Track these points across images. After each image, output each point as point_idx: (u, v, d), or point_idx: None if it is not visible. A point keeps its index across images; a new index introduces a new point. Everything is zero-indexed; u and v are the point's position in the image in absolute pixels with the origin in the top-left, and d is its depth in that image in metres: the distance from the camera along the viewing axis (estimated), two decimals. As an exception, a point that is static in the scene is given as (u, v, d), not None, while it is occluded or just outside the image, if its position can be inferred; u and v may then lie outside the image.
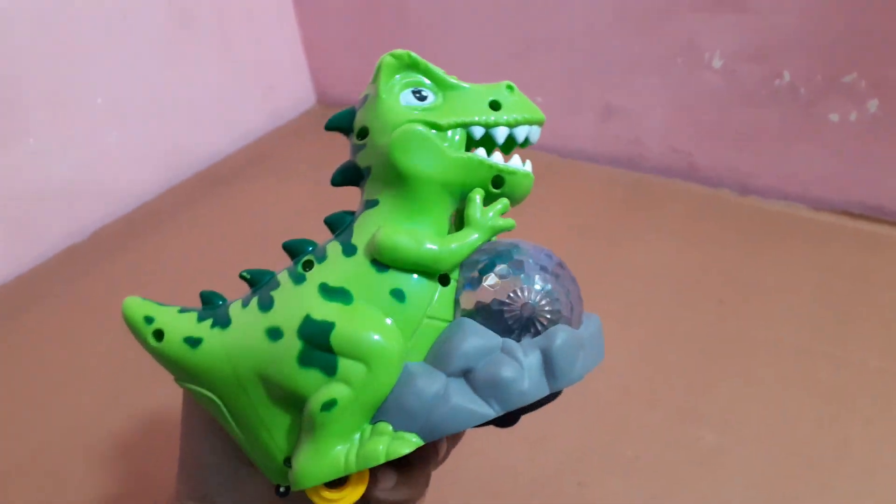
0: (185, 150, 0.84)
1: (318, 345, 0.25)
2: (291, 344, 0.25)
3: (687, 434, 0.47)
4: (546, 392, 0.25)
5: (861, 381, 0.49)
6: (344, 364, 0.25)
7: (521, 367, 0.24)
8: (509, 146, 0.29)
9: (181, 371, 0.28)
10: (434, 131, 0.27)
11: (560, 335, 0.25)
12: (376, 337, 0.25)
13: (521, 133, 0.28)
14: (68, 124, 0.71)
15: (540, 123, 0.29)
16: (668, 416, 0.48)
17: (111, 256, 0.71)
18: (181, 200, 0.80)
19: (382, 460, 0.24)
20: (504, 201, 0.28)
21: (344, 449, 0.25)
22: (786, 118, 0.66)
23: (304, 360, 0.25)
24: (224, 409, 0.27)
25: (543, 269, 0.26)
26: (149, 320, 0.28)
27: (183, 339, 0.27)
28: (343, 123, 0.30)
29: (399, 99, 0.28)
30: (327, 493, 0.25)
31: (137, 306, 0.29)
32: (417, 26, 0.84)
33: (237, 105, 0.89)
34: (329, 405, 0.24)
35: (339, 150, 0.92)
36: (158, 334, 0.28)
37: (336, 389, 0.24)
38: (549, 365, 0.25)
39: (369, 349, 0.25)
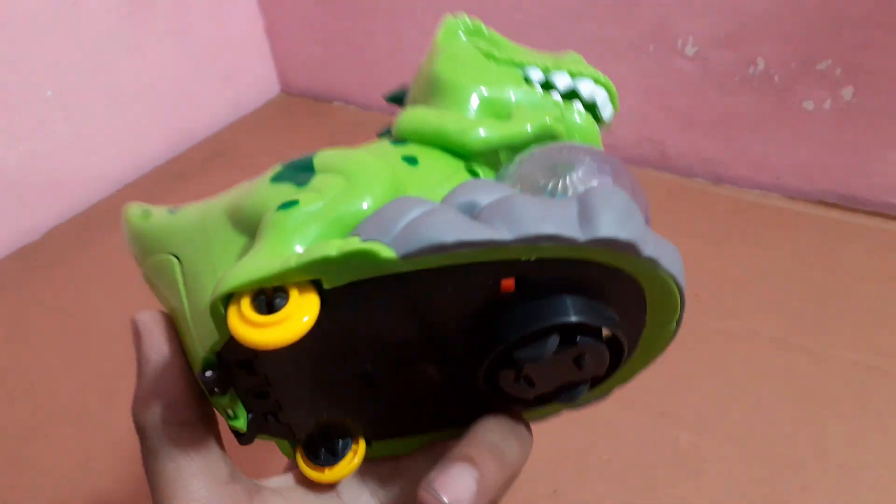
0: (143, 144, 0.81)
1: (298, 166, 0.22)
2: (270, 170, 0.22)
3: (663, 435, 0.45)
4: (576, 234, 0.18)
5: (838, 376, 0.48)
6: (319, 177, 0.21)
7: (544, 201, 0.19)
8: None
9: (154, 241, 0.24)
10: (485, 59, 0.26)
11: (600, 186, 0.20)
12: (365, 156, 0.21)
13: (585, 87, 0.27)
14: (16, 117, 0.68)
15: (608, 88, 0.27)
16: (643, 417, 0.47)
17: (67, 256, 0.68)
18: (140, 196, 0.76)
19: (333, 253, 0.17)
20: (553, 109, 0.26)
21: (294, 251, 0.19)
22: (760, 106, 0.65)
23: (277, 178, 0.21)
24: (178, 268, 0.23)
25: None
26: (146, 213, 0.27)
27: (167, 211, 0.26)
28: (402, 93, 0.29)
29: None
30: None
31: (139, 206, 0.28)
32: (385, 11, 0.81)
33: (197, 95, 0.86)
34: (288, 205, 0.19)
35: (304, 142, 0.89)
36: (146, 215, 0.26)
37: (302, 195, 0.20)
38: (584, 208, 0.19)
39: (352, 162, 0.21)
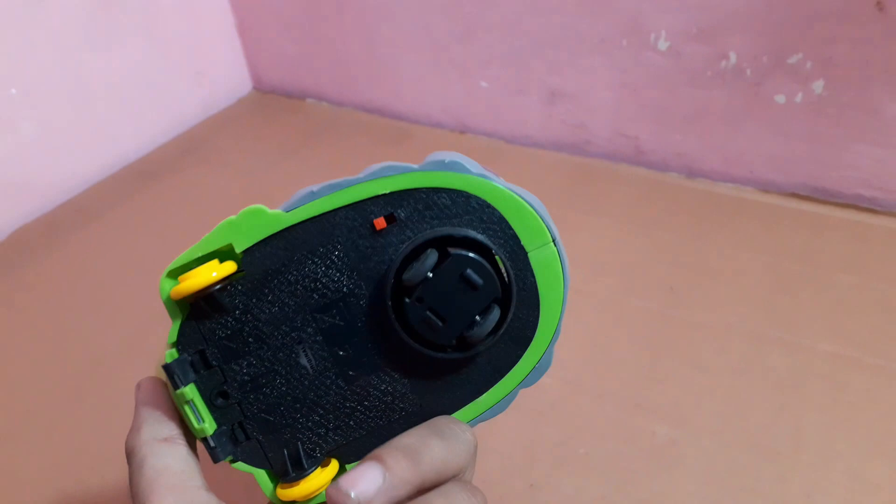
0: (112, 142, 0.79)
1: None
2: None
3: (639, 428, 0.45)
4: (413, 165, 0.24)
5: (812, 367, 0.48)
6: None
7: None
8: None
9: None
10: None
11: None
12: None
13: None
14: (-21, 116, 0.66)
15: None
16: (619, 410, 0.46)
17: (33, 258, 0.66)
18: (109, 196, 0.75)
19: (234, 217, 0.24)
20: None
21: None
22: (732, 100, 0.65)
23: None
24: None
25: None
26: None
27: None
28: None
29: None
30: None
31: None
32: (357, 8, 0.80)
33: (167, 92, 0.85)
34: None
35: (277, 139, 0.88)
36: None
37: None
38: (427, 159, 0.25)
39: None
